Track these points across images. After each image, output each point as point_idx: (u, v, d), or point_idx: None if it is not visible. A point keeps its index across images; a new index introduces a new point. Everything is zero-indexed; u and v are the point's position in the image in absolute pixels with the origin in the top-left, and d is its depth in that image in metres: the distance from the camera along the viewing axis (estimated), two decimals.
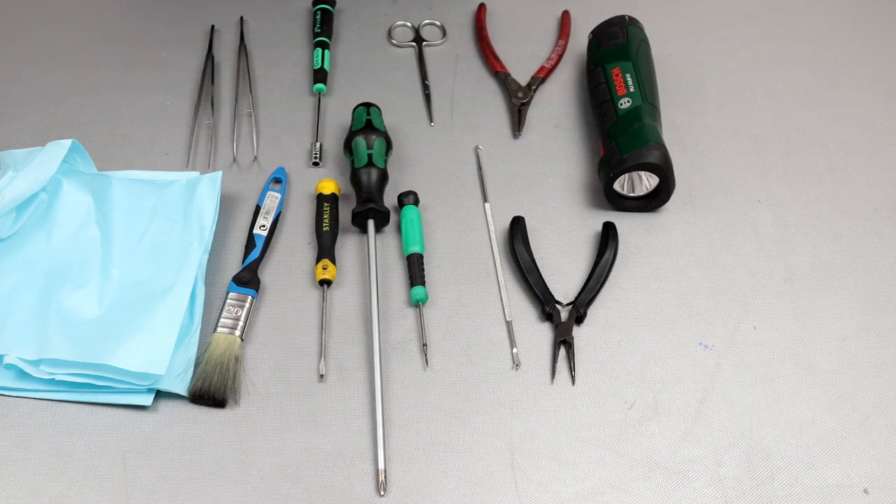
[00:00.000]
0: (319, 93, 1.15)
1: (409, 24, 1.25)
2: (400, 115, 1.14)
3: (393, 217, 1.03)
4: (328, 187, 1.04)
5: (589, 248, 1.02)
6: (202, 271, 0.97)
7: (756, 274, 1.01)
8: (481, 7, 1.27)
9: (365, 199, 1.01)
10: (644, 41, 1.14)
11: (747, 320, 0.97)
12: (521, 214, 1.03)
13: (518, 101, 1.15)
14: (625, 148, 1.02)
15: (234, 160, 1.09)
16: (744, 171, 1.10)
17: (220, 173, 1.03)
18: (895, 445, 0.89)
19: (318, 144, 1.10)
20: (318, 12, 1.22)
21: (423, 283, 0.97)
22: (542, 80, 1.18)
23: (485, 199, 1.06)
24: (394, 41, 1.23)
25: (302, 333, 0.95)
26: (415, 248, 0.99)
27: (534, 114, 1.15)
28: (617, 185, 1.04)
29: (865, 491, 0.86)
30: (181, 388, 0.89)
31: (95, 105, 1.14)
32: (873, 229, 1.05)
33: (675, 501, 0.85)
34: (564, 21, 1.25)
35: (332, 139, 1.11)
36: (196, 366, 0.90)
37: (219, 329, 0.93)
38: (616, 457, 0.87)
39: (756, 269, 1.01)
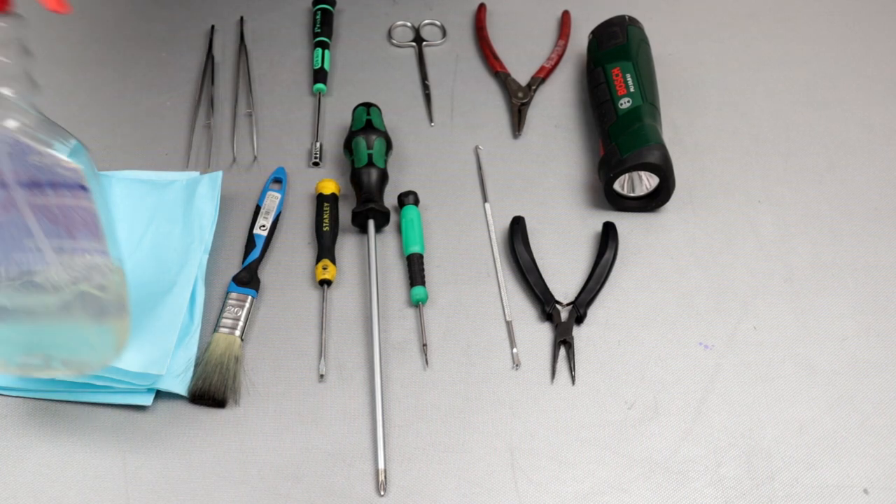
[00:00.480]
0: (319, 93, 1.15)
1: (409, 24, 1.25)
2: (400, 115, 1.13)
3: (393, 217, 1.03)
4: (328, 187, 1.04)
5: (589, 248, 1.02)
6: (202, 271, 0.96)
7: (756, 274, 1.01)
8: (481, 7, 1.26)
9: (365, 199, 1.01)
10: (644, 41, 1.14)
11: (747, 320, 0.97)
12: (521, 214, 1.03)
13: (518, 101, 1.15)
14: (625, 148, 1.02)
15: (234, 160, 1.09)
16: (744, 171, 1.10)
17: (220, 173, 1.03)
18: (895, 445, 0.89)
19: (318, 144, 1.09)
20: (318, 12, 1.22)
21: (423, 283, 0.97)
22: (542, 80, 1.18)
23: (485, 199, 1.06)
24: (394, 41, 1.23)
25: (302, 333, 0.94)
26: (415, 248, 0.99)
27: (534, 114, 1.15)
28: (617, 185, 1.04)
29: (865, 491, 0.86)
30: (181, 388, 0.89)
31: (95, 105, 1.14)
32: (873, 229, 1.05)
33: (675, 501, 0.85)
34: (564, 21, 1.25)
35: (332, 139, 1.11)
36: (196, 366, 0.90)
37: (219, 329, 0.92)
38: (616, 457, 0.87)
39: (756, 269, 1.01)
